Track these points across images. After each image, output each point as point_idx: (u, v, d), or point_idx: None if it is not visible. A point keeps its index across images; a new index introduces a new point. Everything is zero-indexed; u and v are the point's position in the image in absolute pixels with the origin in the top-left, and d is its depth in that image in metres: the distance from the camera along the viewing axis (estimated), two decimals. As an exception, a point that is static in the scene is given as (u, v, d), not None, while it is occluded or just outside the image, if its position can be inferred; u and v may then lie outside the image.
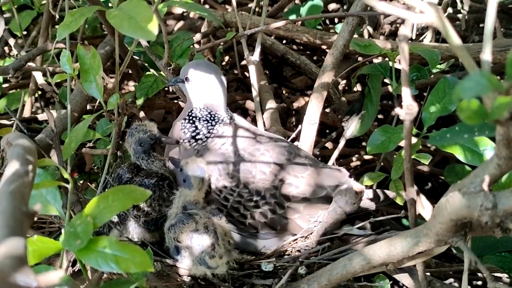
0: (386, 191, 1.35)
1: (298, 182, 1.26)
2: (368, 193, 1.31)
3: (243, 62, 2.06)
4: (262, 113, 1.69)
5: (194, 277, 1.20)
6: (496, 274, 1.41)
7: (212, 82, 1.34)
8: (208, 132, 1.34)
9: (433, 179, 2.24)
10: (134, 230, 1.27)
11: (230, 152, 1.30)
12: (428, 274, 1.38)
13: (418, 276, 1.11)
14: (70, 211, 0.93)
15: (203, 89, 1.34)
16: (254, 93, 1.63)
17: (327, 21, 2.43)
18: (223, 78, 1.36)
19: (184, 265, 1.19)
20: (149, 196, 1.15)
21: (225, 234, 1.20)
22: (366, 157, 2.05)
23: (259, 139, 1.34)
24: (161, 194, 1.28)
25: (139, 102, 1.65)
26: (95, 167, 1.72)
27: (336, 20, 2.40)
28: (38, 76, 1.88)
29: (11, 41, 2.00)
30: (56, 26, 1.92)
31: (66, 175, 0.90)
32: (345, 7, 2.35)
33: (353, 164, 2.11)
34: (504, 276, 1.45)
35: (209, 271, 1.17)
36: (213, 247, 1.16)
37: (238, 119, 1.40)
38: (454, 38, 0.65)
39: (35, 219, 1.45)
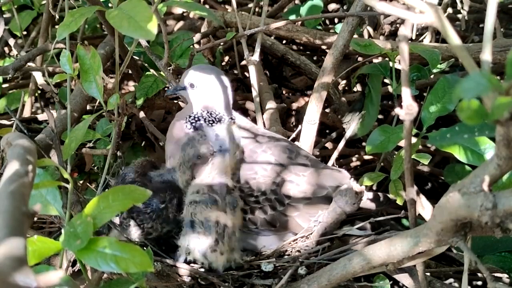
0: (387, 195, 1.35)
1: (299, 180, 1.26)
2: (369, 195, 1.31)
3: (243, 62, 2.06)
4: (262, 113, 1.69)
5: (194, 277, 1.20)
6: (496, 274, 1.41)
7: (219, 86, 1.33)
8: None
9: (433, 179, 2.24)
10: (135, 234, 1.26)
11: None
12: (428, 274, 1.38)
13: (418, 276, 1.11)
14: (70, 211, 0.93)
15: (210, 93, 1.34)
16: (254, 93, 1.63)
17: (327, 21, 2.43)
18: (227, 79, 1.36)
19: (188, 242, 1.20)
20: (151, 218, 1.15)
21: (233, 233, 1.20)
22: (366, 157, 2.05)
23: (260, 138, 1.34)
24: (166, 216, 1.25)
25: (139, 102, 1.65)
26: (95, 167, 1.72)
27: (336, 20, 2.40)
28: (38, 76, 1.88)
29: (11, 41, 2.00)
30: (56, 26, 1.92)
31: (66, 175, 0.90)
32: (345, 7, 2.34)
33: (353, 164, 2.11)
34: (504, 276, 1.45)
35: (206, 262, 1.18)
36: (217, 243, 1.17)
37: (239, 118, 1.40)
38: (454, 38, 0.65)
39: (35, 219, 1.45)
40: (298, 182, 1.26)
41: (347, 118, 1.70)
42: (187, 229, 1.21)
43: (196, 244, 1.19)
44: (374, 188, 1.95)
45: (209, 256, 1.18)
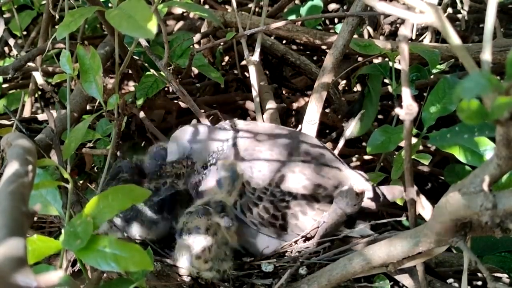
0: (383, 188, 1.33)
1: (298, 180, 1.25)
2: (369, 193, 1.30)
3: (243, 62, 2.06)
4: (262, 113, 1.69)
5: (194, 277, 1.19)
6: (496, 274, 1.41)
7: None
8: None
9: (433, 179, 2.24)
10: (136, 230, 1.26)
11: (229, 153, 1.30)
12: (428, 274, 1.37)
13: (418, 276, 1.11)
14: (70, 211, 0.93)
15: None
16: (254, 93, 1.62)
17: (327, 21, 2.43)
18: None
19: (178, 251, 1.19)
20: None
21: (224, 243, 1.18)
22: (366, 157, 2.05)
23: (259, 137, 1.33)
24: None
25: (139, 102, 1.65)
26: (95, 167, 1.72)
27: (336, 20, 2.40)
28: (38, 76, 1.87)
29: (11, 41, 2.00)
30: (56, 26, 1.92)
31: (66, 175, 0.90)
32: (345, 7, 2.35)
33: (353, 164, 2.11)
34: (504, 276, 1.45)
35: (193, 270, 1.16)
36: (204, 250, 1.14)
37: (237, 121, 1.39)
38: (454, 38, 0.65)
39: (35, 219, 1.45)
40: (298, 183, 1.25)
41: (346, 119, 1.70)
42: (177, 239, 1.19)
43: (184, 251, 1.17)
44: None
45: (194, 263, 1.15)
